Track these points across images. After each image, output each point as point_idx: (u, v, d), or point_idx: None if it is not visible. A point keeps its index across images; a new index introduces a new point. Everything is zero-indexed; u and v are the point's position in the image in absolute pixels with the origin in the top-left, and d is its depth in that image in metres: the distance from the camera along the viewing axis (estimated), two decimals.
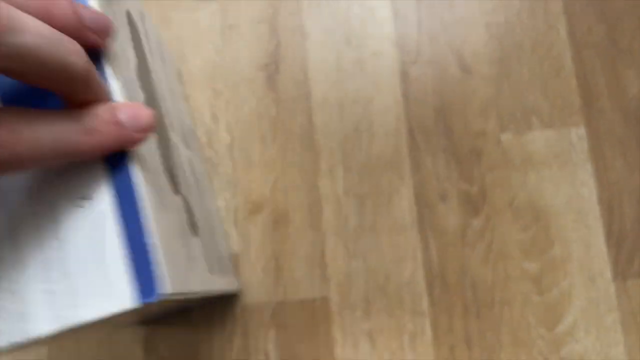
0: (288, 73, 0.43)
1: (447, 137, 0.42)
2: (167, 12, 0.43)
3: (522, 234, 0.40)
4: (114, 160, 0.19)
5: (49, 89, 0.17)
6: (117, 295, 0.18)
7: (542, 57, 0.43)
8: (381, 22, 0.43)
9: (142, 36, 0.30)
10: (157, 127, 0.26)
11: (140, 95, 0.24)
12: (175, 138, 0.30)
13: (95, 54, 0.20)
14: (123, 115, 0.19)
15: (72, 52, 0.16)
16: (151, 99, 0.26)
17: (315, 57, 0.43)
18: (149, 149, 0.23)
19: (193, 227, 0.28)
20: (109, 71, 0.20)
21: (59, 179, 0.19)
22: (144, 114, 0.19)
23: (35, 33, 0.15)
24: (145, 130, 0.19)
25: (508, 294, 0.39)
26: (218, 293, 0.32)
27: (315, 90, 0.42)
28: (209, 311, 0.39)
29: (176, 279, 0.20)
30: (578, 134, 0.42)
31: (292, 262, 0.40)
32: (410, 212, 0.41)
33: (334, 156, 0.41)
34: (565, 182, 0.41)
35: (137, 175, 0.19)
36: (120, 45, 0.23)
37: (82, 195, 0.19)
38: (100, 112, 0.18)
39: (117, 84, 0.20)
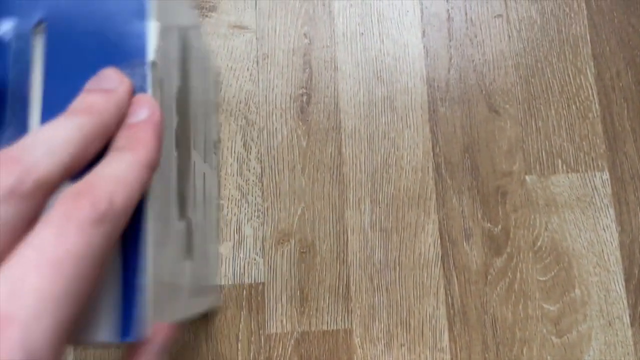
0: (320, 105, 0.43)
1: (473, 175, 0.42)
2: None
3: (544, 275, 0.41)
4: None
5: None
6: (100, 328, 0.19)
7: (569, 100, 0.44)
8: (412, 60, 0.44)
9: (192, 53, 0.30)
10: (182, 151, 0.27)
11: (174, 120, 0.24)
12: (195, 156, 0.31)
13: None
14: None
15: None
16: (183, 122, 0.27)
17: (346, 90, 0.44)
18: (168, 178, 0.23)
19: (189, 251, 0.28)
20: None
21: None
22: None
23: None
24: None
25: (527, 334, 0.40)
26: (201, 312, 0.33)
27: (346, 122, 0.43)
28: (234, 339, 0.40)
29: (156, 318, 0.21)
30: (602, 179, 0.42)
31: (317, 293, 0.41)
32: (434, 248, 0.41)
33: (362, 189, 0.42)
34: (587, 225, 0.42)
35: (148, 214, 0.20)
36: (167, 70, 0.23)
37: None
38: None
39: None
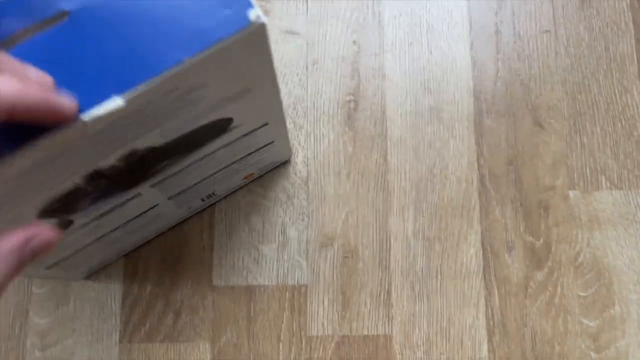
0: (367, 112, 0.44)
1: (517, 188, 0.43)
2: None
3: (584, 291, 0.41)
4: None
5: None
6: None
7: (615, 118, 0.44)
8: (460, 71, 0.45)
9: (238, 136, 0.31)
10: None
11: (104, 162, 0.25)
12: (147, 190, 0.32)
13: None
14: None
15: None
16: (138, 167, 0.28)
17: (394, 99, 0.44)
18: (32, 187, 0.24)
19: None
20: None
21: None
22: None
23: None
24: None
25: (566, 348, 0.40)
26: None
27: (392, 130, 0.44)
28: (276, 339, 0.40)
29: None
30: None
31: (358, 297, 0.41)
32: (476, 259, 0.42)
33: (406, 197, 0.43)
34: (629, 243, 0.42)
35: None
36: (116, 132, 0.23)
37: None
38: None
39: None
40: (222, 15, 0.22)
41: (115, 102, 0.21)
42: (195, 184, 0.36)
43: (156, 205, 0.35)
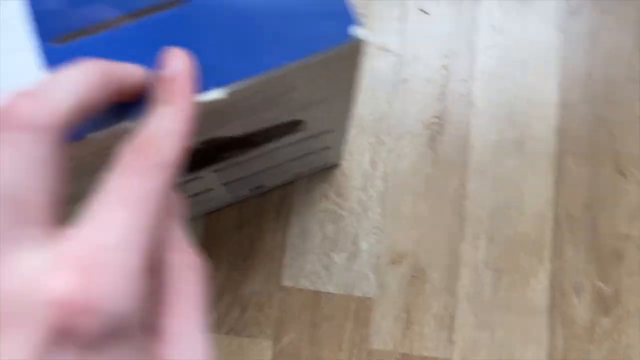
0: (451, 136, 0.44)
1: (591, 232, 0.43)
2: None
3: None
4: None
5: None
6: None
7: None
8: (547, 108, 0.45)
9: (306, 136, 0.33)
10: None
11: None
12: (208, 174, 0.33)
13: None
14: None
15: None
16: (206, 153, 0.29)
17: (478, 127, 0.45)
18: None
19: None
20: None
21: None
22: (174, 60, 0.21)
23: None
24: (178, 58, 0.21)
25: None
26: None
27: (473, 158, 0.44)
28: (337, 348, 0.41)
29: None
30: None
31: (422, 318, 0.41)
32: (543, 297, 0.42)
33: (480, 225, 0.43)
34: None
35: None
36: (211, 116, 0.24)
37: None
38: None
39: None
40: (326, 26, 0.22)
41: (217, 94, 0.22)
42: (251, 175, 0.37)
43: (211, 189, 0.36)
